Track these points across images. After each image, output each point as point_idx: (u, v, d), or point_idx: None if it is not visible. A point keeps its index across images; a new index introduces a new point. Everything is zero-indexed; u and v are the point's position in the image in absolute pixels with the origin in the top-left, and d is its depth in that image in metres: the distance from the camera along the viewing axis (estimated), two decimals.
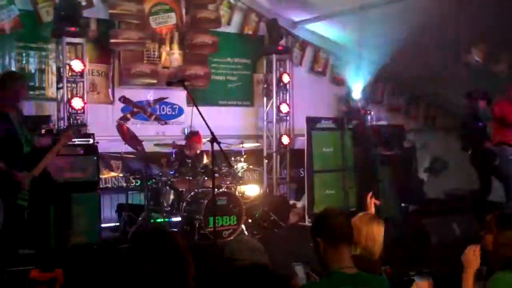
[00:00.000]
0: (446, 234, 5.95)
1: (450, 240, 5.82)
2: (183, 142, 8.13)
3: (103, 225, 7.54)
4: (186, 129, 8.67)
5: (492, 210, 7.79)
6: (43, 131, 6.93)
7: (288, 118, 10.21)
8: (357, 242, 3.53)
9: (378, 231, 3.67)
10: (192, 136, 7.89)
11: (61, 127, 7.59)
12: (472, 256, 3.43)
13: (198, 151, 7.97)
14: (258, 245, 3.01)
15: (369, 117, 10.25)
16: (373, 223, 3.68)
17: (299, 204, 9.31)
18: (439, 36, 8.92)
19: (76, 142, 6.86)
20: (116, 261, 6.01)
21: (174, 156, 7.89)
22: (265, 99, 10.14)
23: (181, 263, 2.10)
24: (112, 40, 8.61)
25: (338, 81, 11.13)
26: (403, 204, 9.58)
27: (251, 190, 8.65)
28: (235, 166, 8.02)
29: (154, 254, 2.06)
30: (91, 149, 7.14)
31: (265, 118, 10.12)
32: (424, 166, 11.42)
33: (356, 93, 10.58)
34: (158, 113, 9.14)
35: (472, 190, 9.67)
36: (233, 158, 8.11)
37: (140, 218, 7.50)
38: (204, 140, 7.72)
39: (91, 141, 7.21)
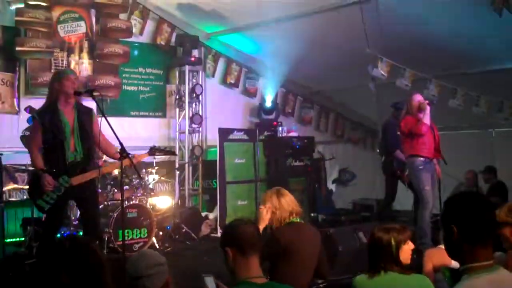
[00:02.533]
0: (352, 242, 6.13)
1: (356, 248, 6.01)
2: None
3: (7, 240, 7.22)
4: None
5: (395, 219, 8.14)
6: None
7: (200, 129, 10.22)
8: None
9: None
10: None
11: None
12: None
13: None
14: (161, 259, 3.00)
15: (280, 128, 10.44)
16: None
17: (211, 216, 9.30)
18: (347, 50, 9.23)
19: None
20: (21, 277, 5.78)
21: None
22: (177, 110, 10.08)
23: (99, 272, 2.04)
24: (18, 48, 8.29)
25: (250, 93, 11.29)
26: (312, 214, 9.80)
27: (163, 202, 8.55)
28: (146, 178, 7.93)
29: (71, 263, 1.99)
30: None
31: (177, 129, 10.07)
32: (332, 177, 11.75)
33: (268, 105, 10.79)
34: None
35: (379, 200, 10.05)
36: (144, 170, 8.01)
37: None
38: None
39: None
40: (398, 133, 8.55)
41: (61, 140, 5.42)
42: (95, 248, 2.11)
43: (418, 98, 7.42)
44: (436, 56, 9.00)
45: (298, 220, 4.34)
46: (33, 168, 5.72)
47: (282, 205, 4.28)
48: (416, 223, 7.39)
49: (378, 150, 9.18)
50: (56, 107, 5.46)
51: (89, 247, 2.09)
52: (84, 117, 5.62)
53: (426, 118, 7.23)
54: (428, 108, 7.25)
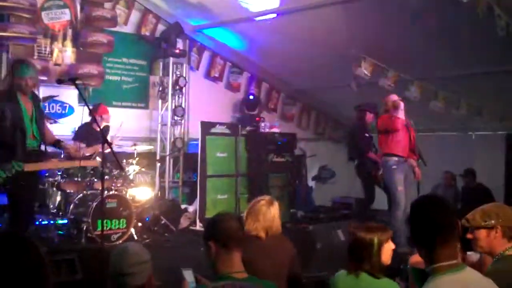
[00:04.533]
0: (331, 239, 6.18)
1: (333, 246, 6.06)
2: (71, 143, 7.84)
3: None
4: (75, 129, 8.39)
5: (373, 217, 8.22)
6: None
7: (182, 122, 10.18)
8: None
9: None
10: (98, 108, 7.79)
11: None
12: None
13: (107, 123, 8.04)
14: (145, 256, 2.90)
15: (262, 124, 10.45)
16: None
17: (191, 209, 9.29)
18: (330, 49, 9.27)
19: None
20: None
21: (62, 155, 7.58)
22: (160, 101, 10.03)
23: (39, 270, 1.90)
24: (0, 34, 8.19)
25: (234, 88, 11.28)
26: (292, 210, 9.85)
27: (143, 193, 8.51)
28: (127, 169, 7.89)
29: (8, 260, 1.86)
30: None
31: (159, 121, 10.02)
32: (312, 174, 11.80)
33: (251, 100, 10.79)
34: (47, 111, 8.78)
35: (358, 199, 10.13)
36: (125, 160, 7.97)
37: None
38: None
39: None
40: (366, 134, 8.71)
41: (21, 127, 5.36)
42: (37, 247, 1.94)
43: (393, 98, 7.61)
44: (419, 59, 9.08)
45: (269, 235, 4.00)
46: None
47: (265, 218, 4.00)
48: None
49: (348, 155, 9.29)
50: (14, 93, 5.38)
51: (25, 242, 1.92)
52: (39, 106, 5.67)
53: (401, 114, 7.41)
54: (402, 104, 7.46)
